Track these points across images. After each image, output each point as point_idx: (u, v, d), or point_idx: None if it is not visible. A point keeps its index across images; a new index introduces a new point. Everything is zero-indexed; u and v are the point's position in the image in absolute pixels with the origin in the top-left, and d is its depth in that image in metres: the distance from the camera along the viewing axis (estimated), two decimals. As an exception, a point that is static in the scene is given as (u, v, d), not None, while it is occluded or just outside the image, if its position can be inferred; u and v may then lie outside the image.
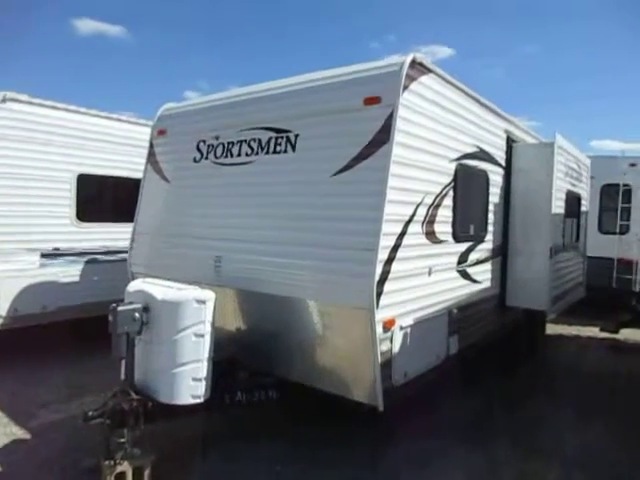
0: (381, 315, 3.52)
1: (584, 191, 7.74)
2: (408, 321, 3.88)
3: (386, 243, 3.56)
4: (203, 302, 3.56)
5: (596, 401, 5.43)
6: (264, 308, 4.24)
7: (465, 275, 4.88)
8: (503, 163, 5.71)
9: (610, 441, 4.46)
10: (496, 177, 5.53)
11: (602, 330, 8.54)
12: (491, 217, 5.44)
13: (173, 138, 5.29)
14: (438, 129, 4.18)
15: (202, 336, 3.53)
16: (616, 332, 8.45)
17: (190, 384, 3.48)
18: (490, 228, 5.42)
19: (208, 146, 4.86)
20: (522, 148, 5.86)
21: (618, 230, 10.43)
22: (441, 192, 4.31)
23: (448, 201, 4.45)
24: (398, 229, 3.71)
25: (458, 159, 4.59)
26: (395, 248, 3.67)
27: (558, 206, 5.96)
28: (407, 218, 3.82)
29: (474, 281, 5.10)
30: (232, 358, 4.29)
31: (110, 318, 3.42)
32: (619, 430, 4.68)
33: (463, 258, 4.83)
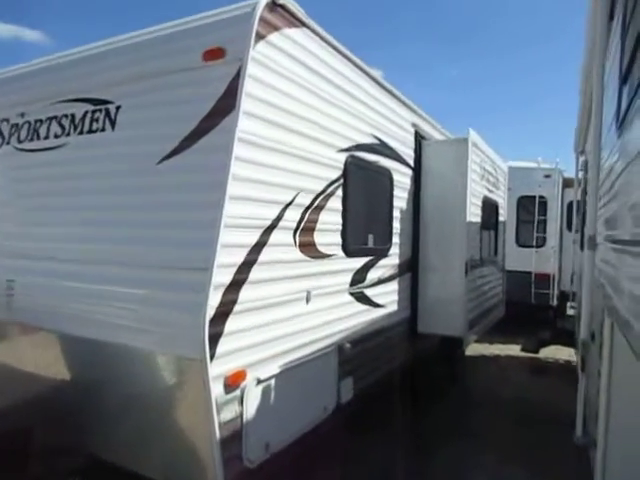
0: (220, 368, 2.35)
1: (502, 199, 7.07)
2: (271, 370, 2.73)
3: (229, 259, 2.40)
4: None
5: (514, 440, 4.58)
6: (74, 356, 2.93)
7: (362, 298, 3.84)
8: (411, 162, 4.80)
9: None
10: (403, 178, 4.59)
11: (523, 350, 7.98)
12: (397, 226, 4.48)
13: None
14: (317, 105, 3.12)
15: None
16: (536, 352, 7.91)
17: None
18: (396, 239, 4.45)
19: (12, 126, 3.49)
20: (432, 145, 4.99)
21: (535, 243, 10.13)
22: (325, 190, 3.25)
23: (336, 203, 3.39)
24: (251, 239, 2.57)
25: (350, 150, 3.56)
26: (246, 266, 2.53)
27: (474, 214, 5.14)
28: (268, 223, 2.69)
29: (375, 305, 4.07)
30: (22, 430, 2.91)
31: None
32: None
33: (359, 277, 3.78)
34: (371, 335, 3.98)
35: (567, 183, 10.40)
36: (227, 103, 2.46)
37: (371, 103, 3.89)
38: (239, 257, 2.48)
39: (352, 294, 3.67)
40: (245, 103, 2.45)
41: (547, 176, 10.16)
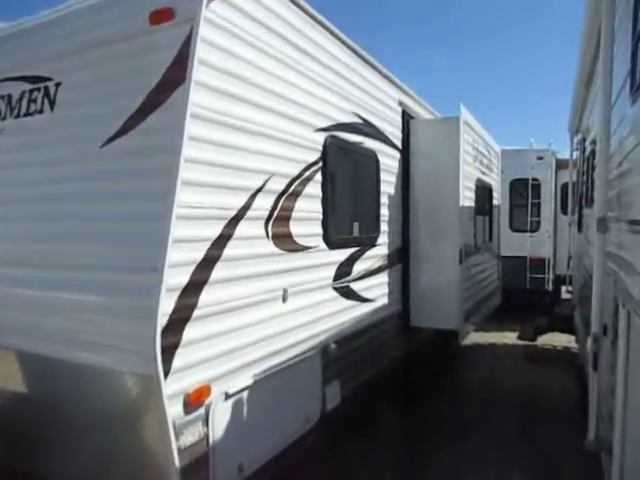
0: (178, 385, 2.00)
1: (495, 182, 6.74)
2: (242, 382, 2.38)
3: (184, 256, 2.04)
4: None
5: (517, 439, 4.28)
6: (18, 372, 2.55)
7: (348, 293, 3.49)
8: (399, 144, 4.44)
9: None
10: (390, 160, 4.23)
11: (520, 339, 7.69)
12: (385, 213, 4.13)
13: None
14: (288, 78, 2.74)
15: None
16: (534, 340, 7.63)
17: None
18: (384, 228, 4.11)
19: (-55, 113, 3.08)
20: (421, 125, 4.63)
21: (529, 227, 9.85)
22: (301, 175, 2.88)
23: (314, 189, 3.03)
24: (213, 231, 2.21)
25: (329, 129, 3.19)
26: (207, 264, 2.17)
27: (467, 197, 4.80)
28: (233, 213, 2.33)
29: (363, 300, 3.73)
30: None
31: None
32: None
33: (344, 270, 3.44)
34: (360, 333, 3.65)
35: (560, 164, 10.10)
36: (177, 73, 2.08)
37: (352, 78, 3.52)
38: (198, 253, 2.11)
39: (337, 289, 3.33)
40: (198, 72, 2.07)
41: (540, 158, 9.86)
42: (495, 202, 6.75)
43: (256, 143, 2.48)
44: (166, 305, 1.94)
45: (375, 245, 3.94)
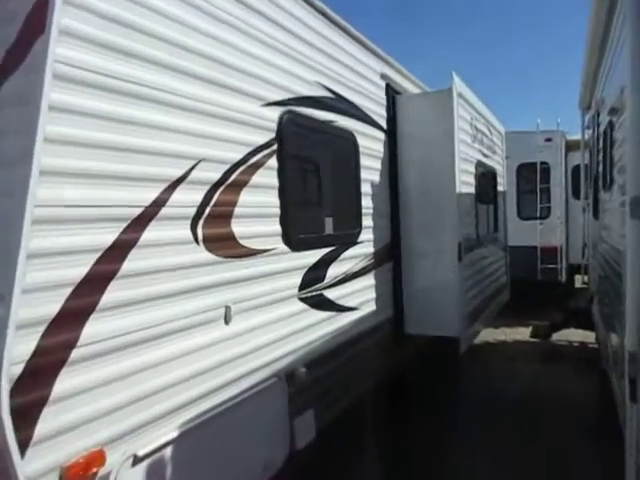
0: (45, 459, 1.41)
1: (500, 165, 6.07)
2: (161, 436, 1.78)
3: (51, 275, 1.45)
4: None
5: (535, 461, 3.65)
6: None
7: (321, 304, 2.89)
8: (384, 124, 3.81)
9: None
10: (372, 143, 3.61)
11: (533, 337, 7.06)
12: (368, 205, 3.51)
13: None
14: (217, 34, 2.13)
15: None
16: (548, 338, 6.99)
17: None
18: (368, 222, 3.50)
19: None
20: (409, 101, 3.99)
21: (539, 214, 9.20)
22: (246, 160, 2.28)
23: (267, 177, 2.43)
24: (102, 238, 1.61)
25: (286, 103, 2.58)
26: (95, 284, 1.57)
27: (467, 183, 4.17)
28: (137, 212, 1.73)
29: (342, 309, 3.13)
30: None
31: None
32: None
33: (315, 276, 2.83)
34: (339, 349, 3.05)
35: (571, 146, 9.40)
36: (37, 20, 1.48)
37: (317, 43, 2.90)
38: (77, 270, 1.52)
39: (305, 300, 2.72)
40: (64, 15, 1.47)
41: (548, 140, 9.18)
42: (500, 188, 6.09)
43: (171, 119, 1.87)
44: (20, 348, 1.35)
45: (357, 243, 3.33)
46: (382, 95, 3.82)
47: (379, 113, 3.74)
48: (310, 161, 2.83)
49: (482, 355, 6.55)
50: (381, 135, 3.77)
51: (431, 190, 3.87)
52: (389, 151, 3.87)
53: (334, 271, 3.03)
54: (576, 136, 8.66)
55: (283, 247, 2.53)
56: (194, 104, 1.98)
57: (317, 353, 2.80)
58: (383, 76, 3.83)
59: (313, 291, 2.80)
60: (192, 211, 1.96)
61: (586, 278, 8.10)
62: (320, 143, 2.95)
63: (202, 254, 2.00)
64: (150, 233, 1.76)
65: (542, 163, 9.12)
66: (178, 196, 1.88)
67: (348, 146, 3.28)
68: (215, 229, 2.07)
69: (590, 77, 5.66)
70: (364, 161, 3.44)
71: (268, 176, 2.42)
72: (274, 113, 2.48)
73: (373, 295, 3.58)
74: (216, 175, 2.08)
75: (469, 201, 4.32)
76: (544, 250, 9.17)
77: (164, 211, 1.82)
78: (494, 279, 5.39)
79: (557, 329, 7.08)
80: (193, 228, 1.96)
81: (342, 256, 3.13)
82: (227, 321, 2.13)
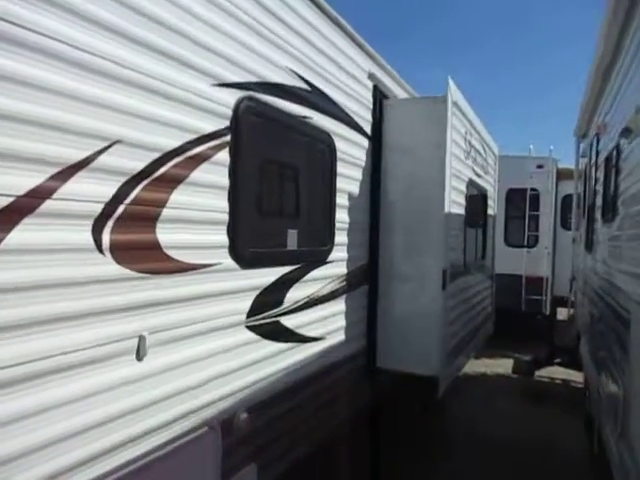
0: None
1: (491, 187, 5.66)
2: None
3: None
4: None
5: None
6: None
7: (277, 333, 2.39)
8: (368, 129, 3.37)
9: None
10: (353, 149, 3.16)
11: (514, 372, 6.65)
12: (343, 218, 3.05)
13: None
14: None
15: None
16: (530, 375, 6.59)
17: None
18: (341, 238, 3.02)
19: None
20: (398, 106, 3.56)
21: (526, 242, 8.91)
22: (185, 150, 1.79)
23: (213, 175, 1.94)
24: None
25: (247, 87, 2.10)
26: None
27: (457, 203, 3.73)
28: (0, 204, 1.23)
29: (304, 340, 2.63)
30: None
31: None
32: None
33: (270, 299, 2.33)
34: (297, 387, 2.55)
35: (562, 174, 9.15)
36: None
37: (295, 24, 2.44)
38: None
39: (255, 328, 2.22)
40: None
41: (540, 166, 8.95)
42: (490, 212, 5.68)
43: (76, 83, 1.39)
44: None
45: (326, 262, 2.85)
46: (368, 97, 3.38)
47: (363, 116, 3.29)
48: (274, 161, 2.36)
49: (461, 389, 6.08)
50: (364, 141, 3.33)
51: (417, 207, 3.42)
52: (372, 160, 3.42)
53: (296, 294, 2.54)
54: (568, 165, 8.41)
55: (229, 263, 2.04)
56: (114, 68, 1.49)
57: (266, 393, 2.30)
58: (371, 76, 3.40)
59: (267, 318, 2.30)
60: (96, 208, 1.46)
61: (572, 311, 7.75)
62: (288, 141, 2.48)
63: (107, 267, 1.49)
64: (23, 234, 1.26)
65: (532, 189, 8.87)
66: (74, 186, 1.38)
67: (323, 149, 2.81)
68: (130, 235, 1.56)
69: (591, 102, 5.33)
70: (341, 168, 2.98)
71: (215, 173, 1.94)
72: (229, 97, 2.00)
73: (343, 323, 3.10)
74: (138, 164, 1.59)
75: (458, 223, 3.89)
76: (529, 280, 8.85)
77: (49, 204, 1.32)
78: (479, 310, 4.95)
79: (540, 366, 6.71)
80: (96, 231, 1.46)
81: (307, 277, 2.64)
82: (140, 356, 1.62)
